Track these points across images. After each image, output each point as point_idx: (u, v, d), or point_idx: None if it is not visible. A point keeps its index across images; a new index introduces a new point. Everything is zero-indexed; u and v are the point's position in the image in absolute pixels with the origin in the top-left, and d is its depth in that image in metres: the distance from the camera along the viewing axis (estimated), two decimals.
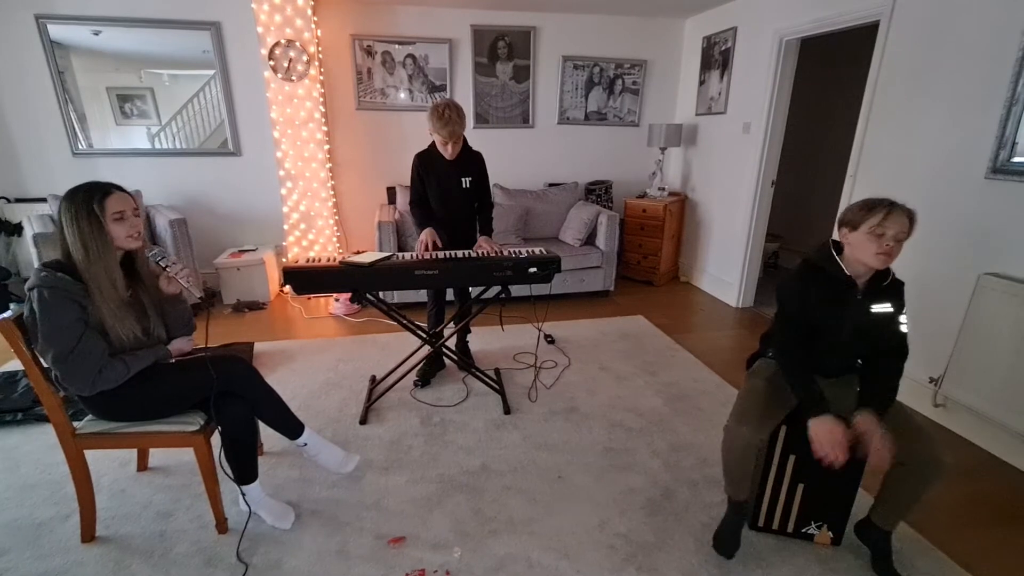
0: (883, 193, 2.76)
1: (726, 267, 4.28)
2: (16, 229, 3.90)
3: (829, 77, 4.79)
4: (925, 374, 2.54)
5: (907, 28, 2.65)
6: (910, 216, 1.47)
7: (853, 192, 2.99)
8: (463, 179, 2.60)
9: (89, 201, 1.45)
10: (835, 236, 1.61)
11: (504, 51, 4.45)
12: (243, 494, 1.77)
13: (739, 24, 3.95)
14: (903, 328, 1.59)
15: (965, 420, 2.41)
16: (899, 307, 1.58)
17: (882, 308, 1.56)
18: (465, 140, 2.57)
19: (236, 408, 1.68)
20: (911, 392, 2.59)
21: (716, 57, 4.24)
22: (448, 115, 2.36)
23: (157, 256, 1.62)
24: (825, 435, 1.47)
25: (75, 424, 1.64)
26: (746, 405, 1.66)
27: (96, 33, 3.78)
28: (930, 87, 2.55)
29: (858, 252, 1.51)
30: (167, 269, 1.63)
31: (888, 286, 1.56)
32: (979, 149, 2.33)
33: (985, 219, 2.32)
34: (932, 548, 1.75)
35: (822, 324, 1.59)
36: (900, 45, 2.69)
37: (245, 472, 1.74)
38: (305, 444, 1.90)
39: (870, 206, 1.49)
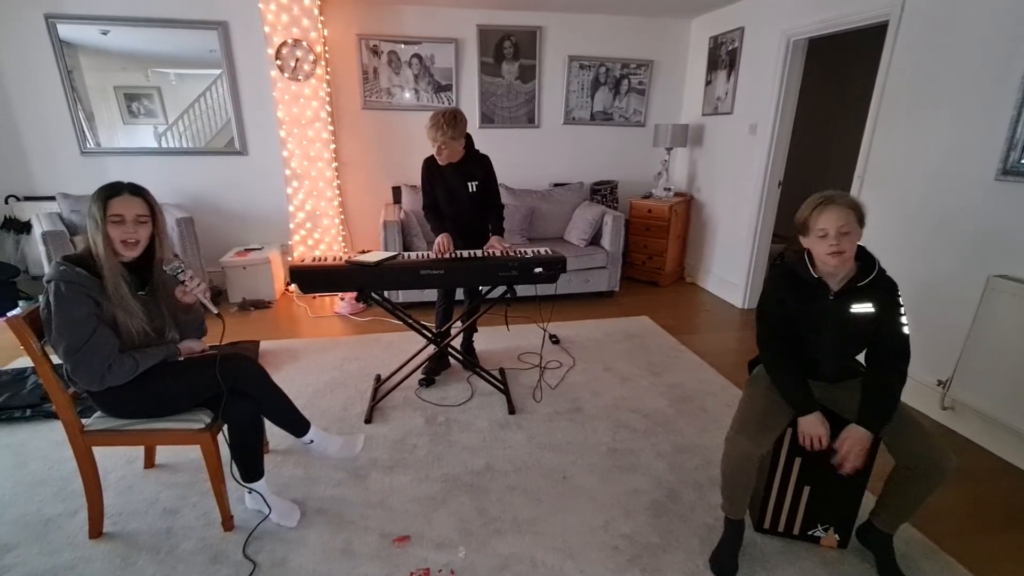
0: (891, 193, 2.75)
1: (732, 268, 4.27)
2: (25, 227, 3.93)
3: (837, 77, 4.76)
4: (933, 377, 2.52)
5: (916, 28, 2.63)
6: (852, 205, 1.45)
7: (861, 193, 2.97)
8: (469, 183, 2.61)
9: (95, 200, 1.50)
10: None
11: (510, 51, 4.45)
12: (249, 491, 1.78)
13: (746, 24, 3.93)
14: (904, 329, 1.53)
15: (973, 423, 2.40)
16: (889, 307, 1.52)
17: (862, 308, 1.53)
18: (472, 143, 2.57)
19: (243, 406, 1.69)
20: (918, 394, 2.58)
21: (723, 57, 4.23)
22: (438, 122, 2.37)
23: (176, 269, 1.63)
24: (810, 429, 1.56)
25: (83, 421, 1.65)
26: (746, 416, 1.65)
27: (104, 32, 3.80)
28: (940, 87, 2.53)
29: (816, 254, 1.52)
30: (184, 283, 1.64)
31: (868, 285, 1.51)
32: (989, 150, 2.31)
33: (995, 221, 2.30)
34: (939, 552, 1.74)
35: (802, 328, 1.59)
36: (909, 45, 2.67)
37: (251, 470, 1.75)
38: (311, 441, 1.91)
39: (809, 207, 1.49)
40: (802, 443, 1.59)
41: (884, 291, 1.53)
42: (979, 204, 2.36)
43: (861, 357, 1.67)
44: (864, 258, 1.55)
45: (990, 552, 1.76)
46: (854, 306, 1.53)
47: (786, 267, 1.62)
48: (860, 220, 1.47)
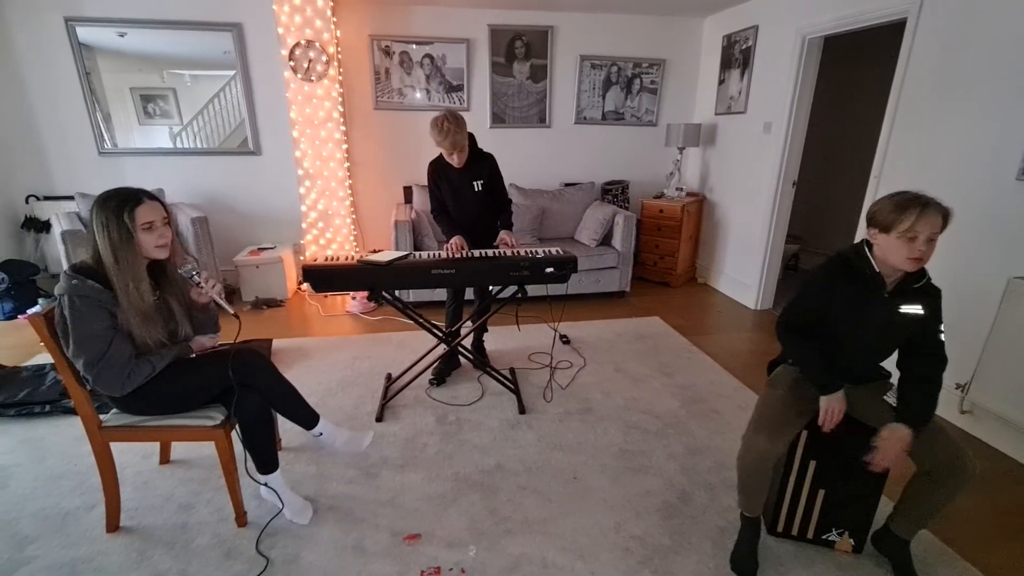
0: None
1: (745, 269, 4.23)
2: (44, 226, 4.01)
3: (853, 75, 4.70)
4: (952, 380, 2.47)
5: (935, 25, 2.59)
6: (944, 213, 1.38)
7: (877, 193, 2.93)
8: (475, 182, 2.61)
9: (120, 210, 1.46)
10: (865, 234, 1.53)
11: (521, 51, 4.45)
12: (265, 484, 1.79)
13: (760, 22, 3.89)
14: (942, 336, 1.53)
15: (993, 427, 2.35)
16: (933, 313, 1.51)
17: (912, 309, 1.50)
18: (475, 143, 2.58)
19: (252, 400, 1.70)
20: None
21: (736, 56, 4.19)
22: (447, 127, 2.36)
23: (190, 272, 1.64)
24: (834, 404, 1.54)
25: (101, 417, 1.68)
26: (764, 415, 1.63)
27: (122, 35, 3.86)
28: (959, 86, 2.48)
29: (889, 255, 1.44)
30: (200, 285, 1.65)
31: (921, 288, 1.49)
32: (1010, 150, 2.26)
33: (1016, 221, 2.26)
34: (957, 558, 1.71)
35: (846, 320, 1.55)
36: (928, 43, 2.63)
37: (265, 462, 1.77)
38: (320, 434, 1.92)
39: (901, 206, 1.39)
40: (822, 419, 1.54)
41: (932, 296, 1.51)
42: (1000, 204, 2.32)
43: (885, 362, 1.65)
44: None
45: (1009, 558, 1.73)
46: (904, 306, 1.50)
47: (843, 257, 1.57)
48: (943, 230, 1.41)
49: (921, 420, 1.48)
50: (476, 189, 2.62)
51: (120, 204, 1.47)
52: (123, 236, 1.46)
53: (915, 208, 1.37)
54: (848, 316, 1.54)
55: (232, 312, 1.72)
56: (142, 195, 1.52)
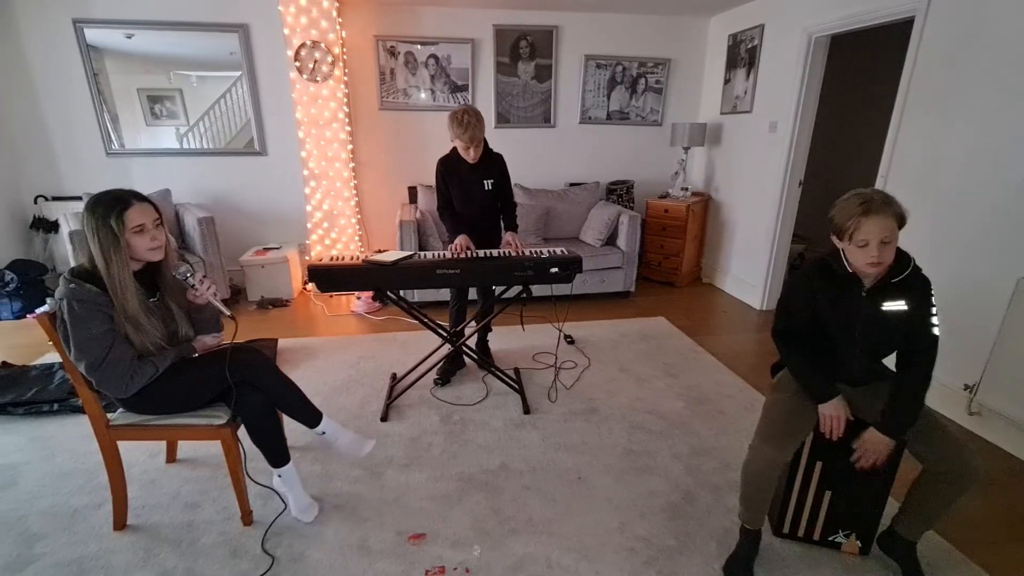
0: (917, 192, 2.68)
1: (750, 269, 4.21)
2: (53, 226, 4.05)
3: (860, 74, 4.67)
4: (960, 381, 2.46)
5: (944, 23, 2.57)
6: (895, 212, 1.35)
7: None
8: (485, 181, 2.62)
9: (107, 215, 1.44)
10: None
11: (526, 51, 4.45)
12: (278, 476, 1.80)
13: (766, 21, 3.87)
14: (934, 330, 1.48)
15: (1001, 429, 2.33)
16: (921, 306, 1.47)
17: (895, 306, 1.48)
18: (486, 142, 2.59)
19: (253, 398, 1.70)
20: (944, 399, 2.51)
21: (742, 55, 4.17)
22: (468, 120, 2.39)
23: (184, 274, 1.62)
24: (832, 411, 1.54)
25: (108, 416, 1.69)
26: (771, 423, 1.61)
27: (129, 36, 3.89)
28: (967, 84, 2.46)
29: (852, 259, 1.45)
30: (194, 288, 1.65)
31: (902, 283, 1.46)
32: (1019, 150, 2.24)
33: None
34: (965, 561, 1.70)
35: (832, 325, 1.55)
36: (936, 41, 2.61)
37: (275, 456, 1.77)
38: (324, 432, 1.93)
39: (848, 213, 1.39)
40: (824, 427, 1.55)
41: (917, 289, 1.47)
42: (1010, 204, 2.29)
43: (888, 361, 1.63)
44: (897, 254, 1.47)
45: (1018, 561, 1.71)
46: (886, 303, 1.48)
47: (820, 259, 1.57)
48: (901, 225, 1.38)
49: (900, 430, 1.48)
50: (487, 188, 2.63)
51: (107, 208, 1.45)
52: (111, 241, 1.44)
53: (860, 215, 1.36)
54: (833, 316, 1.54)
55: (228, 314, 1.71)
56: (131, 197, 1.50)
